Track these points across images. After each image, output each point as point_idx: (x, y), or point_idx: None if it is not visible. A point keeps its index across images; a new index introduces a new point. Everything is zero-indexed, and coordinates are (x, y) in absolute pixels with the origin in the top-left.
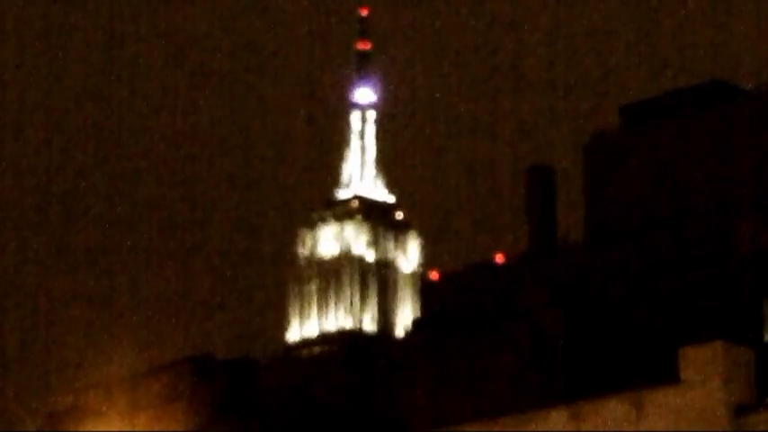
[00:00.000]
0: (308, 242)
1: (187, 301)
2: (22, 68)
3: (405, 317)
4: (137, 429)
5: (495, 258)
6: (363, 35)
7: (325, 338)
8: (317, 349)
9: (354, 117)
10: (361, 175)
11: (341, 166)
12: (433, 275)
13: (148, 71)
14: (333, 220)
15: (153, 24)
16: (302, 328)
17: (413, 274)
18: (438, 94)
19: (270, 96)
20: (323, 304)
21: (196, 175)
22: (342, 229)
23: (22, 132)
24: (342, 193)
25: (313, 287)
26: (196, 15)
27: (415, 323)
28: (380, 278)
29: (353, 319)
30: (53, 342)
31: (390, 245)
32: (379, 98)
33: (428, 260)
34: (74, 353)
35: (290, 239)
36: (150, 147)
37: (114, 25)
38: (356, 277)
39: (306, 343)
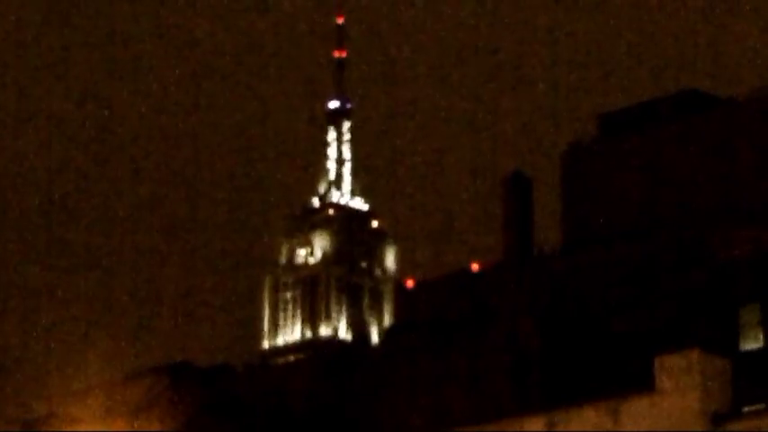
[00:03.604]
0: (285, 251)
1: (165, 309)
2: (22, 69)
3: (380, 324)
4: None
5: (471, 266)
6: (340, 43)
7: (301, 346)
8: (293, 357)
9: (330, 126)
10: (336, 184)
11: (317, 175)
12: (409, 283)
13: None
14: (309, 229)
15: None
16: (279, 335)
17: (388, 282)
18: (415, 103)
19: (246, 105)
20: (299, 312)
21: (173, 184)
22: (318, 237)
23: (22, 133)
24: (318, 202)
25: (289, 295)
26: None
27: (391, 331)
28: (356, 286)
29: (329, 326)
30: (30, 348)
31: (366, 253)
32: (354, 107)
33: (404, 268)
34: (51, 359)
35: (267, 248)
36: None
37: (114, 27)
38: (332, 285)
39: (282, 350)
